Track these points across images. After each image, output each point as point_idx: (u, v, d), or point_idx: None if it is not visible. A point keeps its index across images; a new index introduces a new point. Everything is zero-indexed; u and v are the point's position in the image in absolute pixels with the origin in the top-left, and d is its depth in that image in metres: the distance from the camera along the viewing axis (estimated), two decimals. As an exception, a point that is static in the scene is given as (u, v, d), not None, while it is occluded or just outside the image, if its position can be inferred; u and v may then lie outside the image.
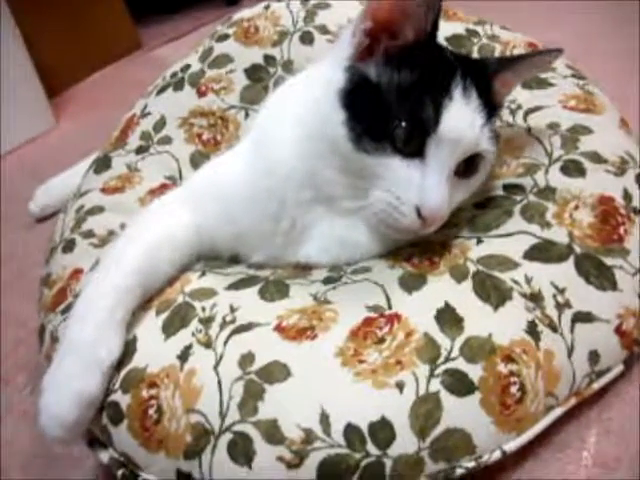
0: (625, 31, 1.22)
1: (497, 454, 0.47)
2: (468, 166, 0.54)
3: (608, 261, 0.54)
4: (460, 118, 0.51)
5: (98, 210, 0.75)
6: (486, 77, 0.56)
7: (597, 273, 0.54)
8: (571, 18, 1.33)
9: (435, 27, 0.53)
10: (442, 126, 0.50)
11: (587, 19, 1.32)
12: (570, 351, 0.50)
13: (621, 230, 0.56)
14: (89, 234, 0.71)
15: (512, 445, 0.47)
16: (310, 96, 0.57)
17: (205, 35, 0.96)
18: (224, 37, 0.90)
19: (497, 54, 0.79)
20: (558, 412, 0.50)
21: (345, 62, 0.55)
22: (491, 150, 0.55)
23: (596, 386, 0.52)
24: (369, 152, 0.52)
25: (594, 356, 0.51)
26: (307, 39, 0.88)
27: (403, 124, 0.51)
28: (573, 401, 0.51)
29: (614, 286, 0.53)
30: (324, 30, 0.87)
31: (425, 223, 0.52)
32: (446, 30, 0.81)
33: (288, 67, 0.87)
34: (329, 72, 0.56)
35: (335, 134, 0.53)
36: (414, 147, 0.51)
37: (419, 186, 0.51)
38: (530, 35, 0.85)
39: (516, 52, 0.78)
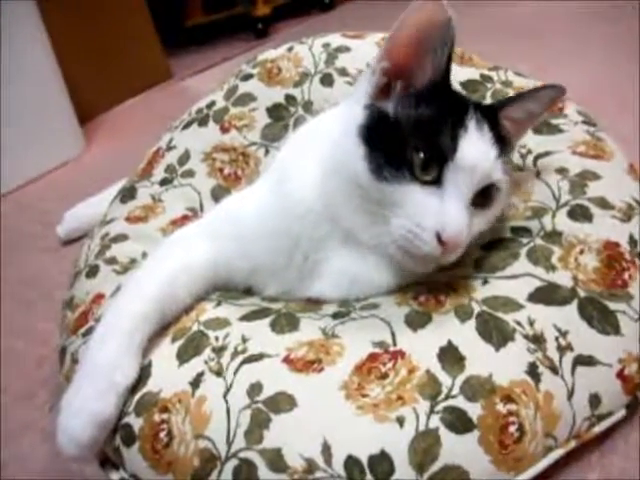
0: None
1: (495, 493, 0.47)
2: (484, 197, 0.56)
3: (611, 306, 0.55)
4: (475, 147, 0.53)
5: (122, 238, 0.78)
6: (494, 114, 0.59)
7: (600, 317, 0.54)
8: (589, 62, 1.36)
9: (449, 64, 0.55)
10: (459, 154, 0.52)
11: (605, 64, 1.34)
12: (570, 394, 0.51)
13: (625, 275, 0.58)
14: (112, 261, 0.74)
15: (510, 484, 0.48)
16: (331, 136, 0.59)
17: (234, 67, 0.99)
18: (248, 76, 0.94)
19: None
20: (557, 454, 0.50)
21: (364, 100, 0.57)
22: (504, 180, 0.57)
23: (597, 430, 0.52)
24: (388, 180, 0.53)
25: (595, 400, 0.52)
26: (327, 81, 0.92)
27: (421, 153, 0.53)
28: (573, 444, 0.51)
29: (617, 330, 0.54)
30: (344, 73, 0.91)
31: (446, 249, 0.52)
32: (461, 75, 0.84)
33: (308, 107, 0.91)
34: (349, 110, 0.58)
35: (356, 167, 0.55)
36: (432, 175, 0.53)
37: (438, 212, 0.52)
38: (549, 79, 0.86)
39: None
